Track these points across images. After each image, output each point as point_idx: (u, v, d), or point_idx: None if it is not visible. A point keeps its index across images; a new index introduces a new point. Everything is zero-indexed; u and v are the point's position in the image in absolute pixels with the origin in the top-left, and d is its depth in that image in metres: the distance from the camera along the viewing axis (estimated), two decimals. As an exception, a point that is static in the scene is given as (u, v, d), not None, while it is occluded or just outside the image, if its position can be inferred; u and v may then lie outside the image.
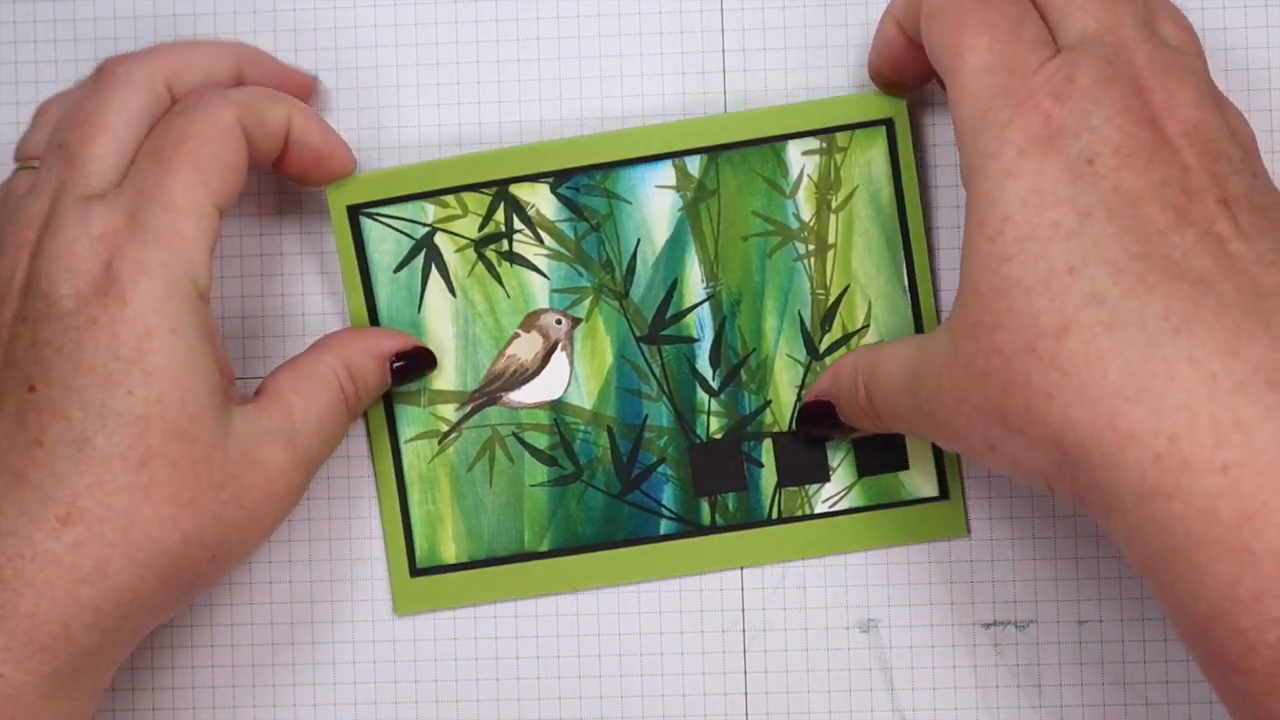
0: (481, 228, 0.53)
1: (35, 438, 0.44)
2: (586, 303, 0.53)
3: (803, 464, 0.54)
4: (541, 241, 0.53)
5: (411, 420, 0.54)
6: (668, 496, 0.54)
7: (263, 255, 0.55)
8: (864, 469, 0.54)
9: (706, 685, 0.54)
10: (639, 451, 0.54)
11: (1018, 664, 0.54)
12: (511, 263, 0.53)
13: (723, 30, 0.55)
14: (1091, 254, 0.42)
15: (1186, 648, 0.41)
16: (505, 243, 0.53)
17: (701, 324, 0.53)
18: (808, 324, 0.53)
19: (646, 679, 0.54)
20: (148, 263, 0.45)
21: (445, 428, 0.53)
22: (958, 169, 0.49)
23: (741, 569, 0.54)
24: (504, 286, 0.53)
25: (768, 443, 0.53)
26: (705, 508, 0.54)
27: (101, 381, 0.44)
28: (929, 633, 0.54)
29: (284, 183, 0.55)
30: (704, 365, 0.53)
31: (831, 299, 0.53)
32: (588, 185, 0.53)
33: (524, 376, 0.54)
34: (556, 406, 0.54)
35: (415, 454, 0.54)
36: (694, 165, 0.53)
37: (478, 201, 0.53)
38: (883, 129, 0.53)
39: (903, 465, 0.54)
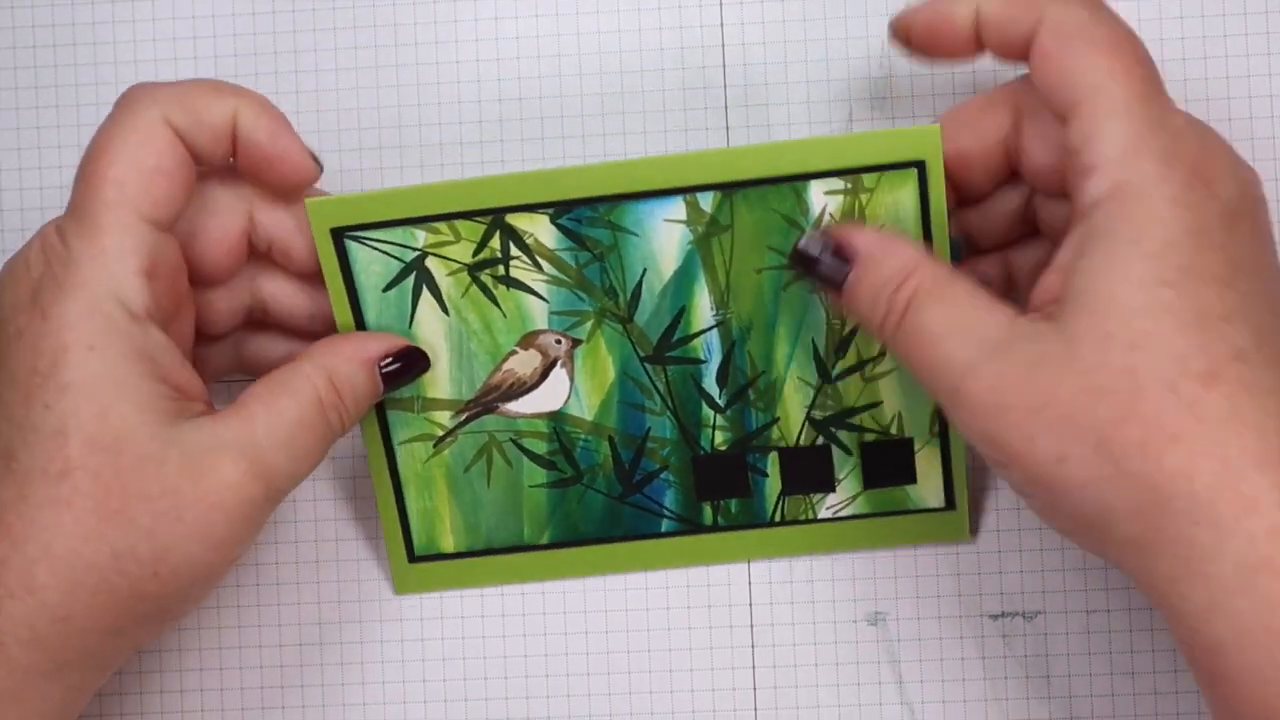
0: (475, 254, 0.50)
1: None
2: (588, 325, 0.51)
3: (808, 475, 0.52)
4: (540, 268, 0.50)
5: (405, 425, 0.52)
6: (670, 499, 0.53)
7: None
8: (870, 482, 0.53)
9: (715, 680, 0.54)
10: (641, 459, 0.52)
11: (1026, 655, 0.54)
12: (508, 286, 0.50)
13: (723, 37, 0.55)
14: (1239, 309, 0.41)
15: None
16: (501, 268, 0.50)
17: (709, 348, 0.51)
18: (821, 350, 0.51)
19: (655, 674, 0.54)
20: (67, 281, 0.44)
21: (440, 433, 0.52)
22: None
23: (749, 563, 0.54)
24: (500, 308, 0.51)
25: (774, 455, 0.52)
26: (707, 510, 0.53)
27: (23, 396, 0.44)
28: (937, 625, 0.54)
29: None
30: (711, 385, 0.51)
31: (848, 329, 0.51)
32: (590, 217, 0.49)
33: (521, 390, 0.52)
34: (556, 417, 0.52)
35: (410, 454, 0.52)
36: (707, 201, 0.49)
37: (471, 229, 0.49)
38: (914, 171, 0.48)
39: (910, 480, 0.53)
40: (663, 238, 0.50)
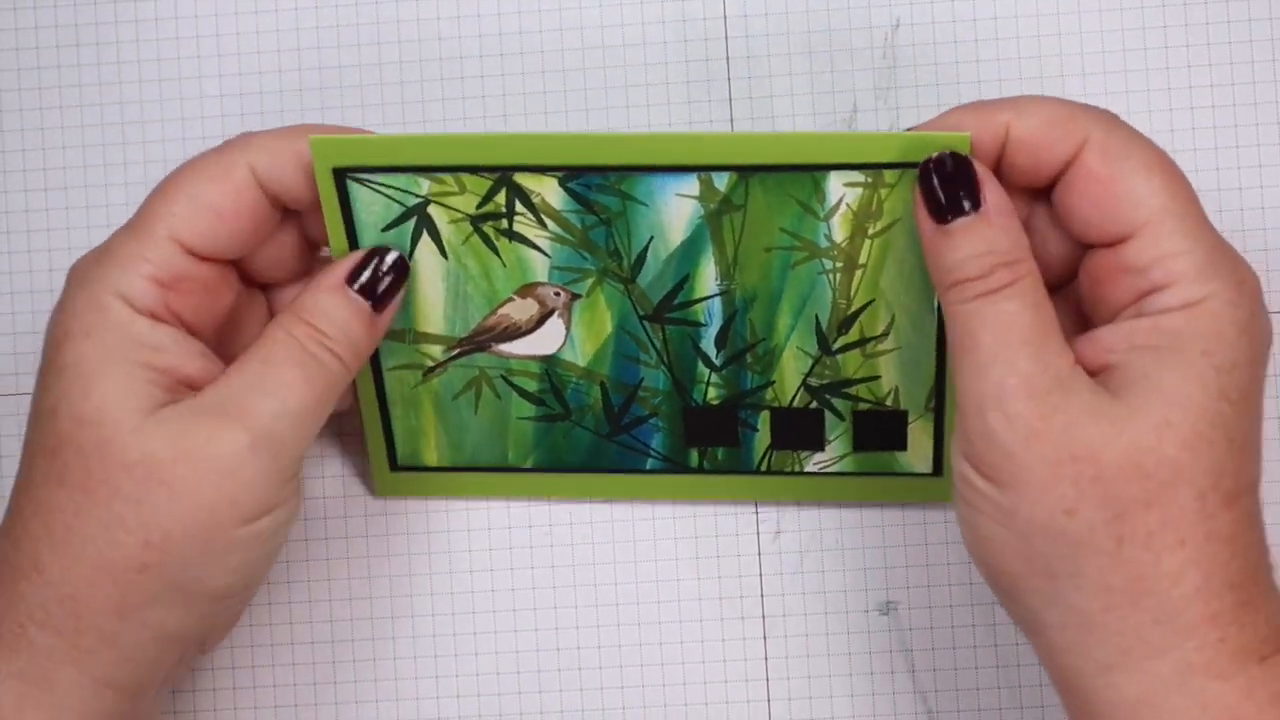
0: (480, 206, 0.49)
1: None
2: (588, 282, 0.50)
3: (798, 434, 0.53)
4: (544, 226, 0.49)
5: (395, 353, 0.51)
6: (656, 442, 0.53)
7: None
8: (860, 445, 0.53)
9: (728, 672, 0.54)
10: (632, 405, 0.52)
11: (1038, 643, 0.54)
12: (510, 239, 0.50)
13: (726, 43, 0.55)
14: (1259, 443, 0.44)
15: None
16: (505, 221, 0.49)
17: (710, 313, 0.51)
18: (824, 325, 0.51)
19: (668, 667, 0.54)
20: (84, 275, 0.47)
21: (430, 363, 0.52)
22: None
23: (759, 556, 0.54)
24: (500, 258, 0.50)
25: (765, 413, 0.52)
26: (694, 454, 0.53)
27: (38, 380, 0.47)
28: (949, 614, 0.54)
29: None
30: (709, 346, 0.51)
31: (853, 309, 0.50)
32: (600, 184, 0.48)
33: (516, 333, 0.51)
34: (548, 360, 0.52)
35: (398, 379, 0.52)
36: (721, 180, 0.48)
37: (477, 183, 0.49)
38: None
39: (900, 446, 0.53)
40: (673, 210, 0.49)
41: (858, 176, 0.48)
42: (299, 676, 0.55)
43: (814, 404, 0.52)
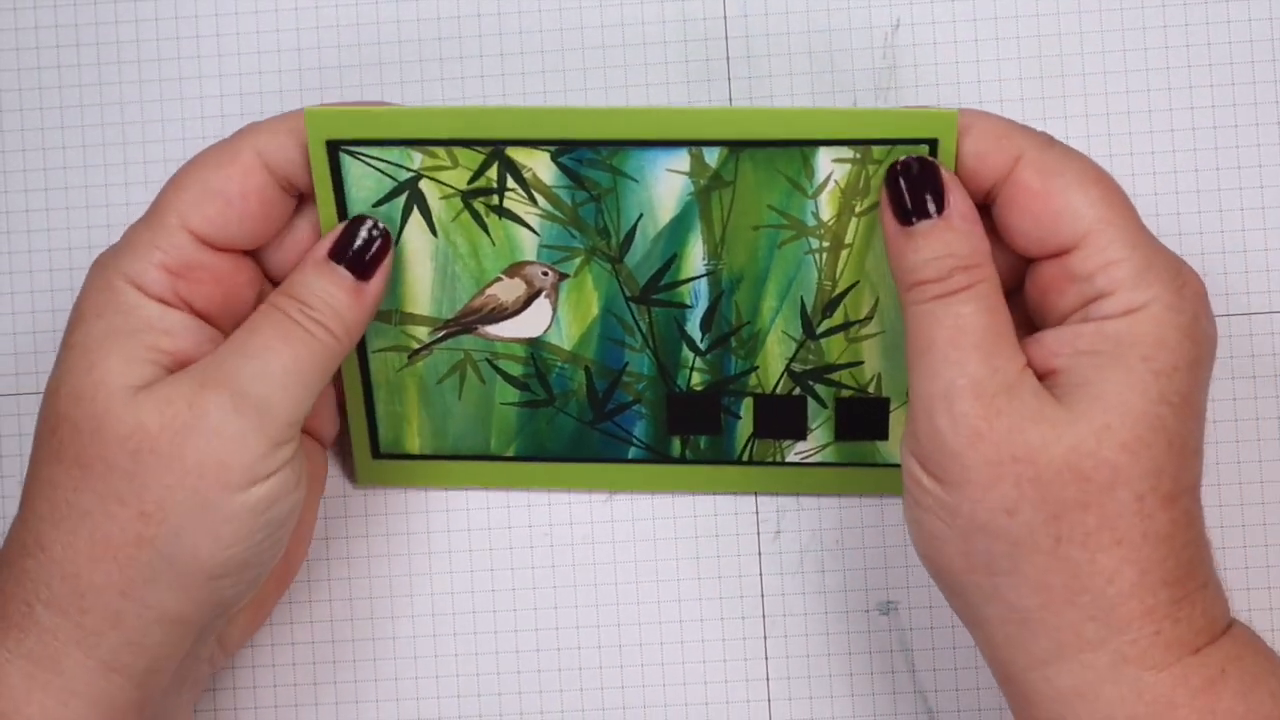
0: (471, 181, 0.49)
1: None
2: (576, 261, 0.50)
3: (781, 422, 0.53)
4: (535, 202, 0.49)
5: (380, 334, 0.52)
6: (639, 430, 0.53)
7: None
8: (842, 434, 0.53)
9: (728, 672, 0.54)
10: (615, 390, 0.52)
11: (1038, 642, 0.54)
12: (500, 216, 0.50)
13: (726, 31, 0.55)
14: (1200, 445, 0.45)
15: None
16: (495, 197, 0.49)
17: (697, 294, 0.51)
18: (809, 308, 0.51)
19: (668, 666, 0.54)
20: (101, 263, 0.48)
21: (416, 345, 0.52)
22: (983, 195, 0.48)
23: (760, 555, 0.54)
24: (489, 235, 0.50)
25: (748, 400, 0.52)
26: (676, 443, 0.53)
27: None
28: (949, 614, 0.54)
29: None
30: (694, 329, 0.51)
31: (838, 290, 0.50)
32: (592, 159, 0.49)
33: (502, 314, 0.51)
34: (534, 343, 0.52)
35: (383, 362, 0.52)
36: (712, 156, 0.48)
37: (469, 157, 0.49)
38: (925, 149, 0.47)
39: (881, 435, 0.53)
40: (663, 186, 0.49)
41: (847, 153, 0.48)
42: (299, 676, 0.55)
43: (797, 390, 0.52)
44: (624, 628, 0.55)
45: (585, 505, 0.55)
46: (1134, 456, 0.44)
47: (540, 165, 0.49)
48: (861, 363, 0.52)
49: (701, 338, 0.51)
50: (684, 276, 0.51)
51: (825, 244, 0.50)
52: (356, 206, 0.49)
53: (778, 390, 0.52)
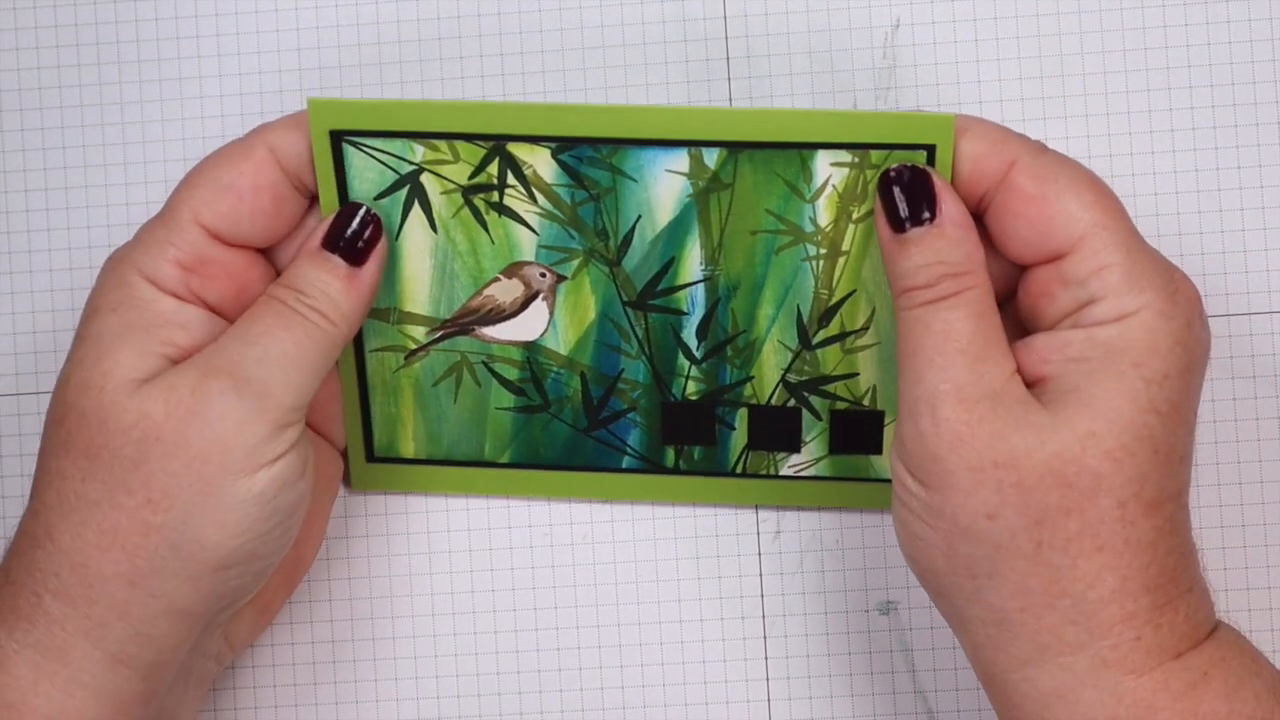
0: (471, 176, 0.49)
1: None
2: (575, 263, 0.50)
3: (776, 434, 0.52)
4: (534, 200, 0.50)
5: (378, 333, 0.52)
6: (634, 439, 0.53)
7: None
8: (837, 448, 0.53)
9: (728, 672, 0.54)
10: (610, 398, 0.52)
11: (1038, 642, 0.54)
12: (500, 213, 0.50)
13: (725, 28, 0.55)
14: (1189, 452, 0.46)
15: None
16: (495, 194, 0.49)
17: (694, 301, 0.51)
18: (805, 317, 0.51)
19: (668, 667, 0.54)
20: (115, 259, 0.48)
21: (413, 346, 0.52)
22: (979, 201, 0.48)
23: (760, 555, 0.54)
24: (489, 233, 0.50)
25: (743, 411, 0.52)
26: (670, 453, 0.53)
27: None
28: (949, 614, 0.54)
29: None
30: (690, 337, 0.51)
31: (835, 299, 0.50)
32: (592, 157, 0.49)
33: (499, 316, 0.51)
34: (530, 347, 0.52)
35: (380, 362, 0.52)
36: (711, 157, 0.48)
37: (471, 151, 0.49)
38: (923, 154, 0.47)
39: (876, 450, 0.53)
40: (662, 187, 0.49)
41: (845, 156, 0.48)
42: (299, 676, 0.55)
43: (792, 402, 0.52)
44: (624, 627, 0.55)
45: (585, 505, 0.55)
46: (1117, 464, 0.44)
47: (541, 162, 0.49)
48: (857, 374, 0.52)
49: (697, 345, 0.51)
50: (681, 281, 0.51)
51: (822, 251, 0.50)
52: (358, 198, 0.49)
53: (773, 401, 0.52)
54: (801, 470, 0.53)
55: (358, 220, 0.49)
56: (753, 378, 0.52)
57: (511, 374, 0.52)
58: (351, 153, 0.49)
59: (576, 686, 0.55)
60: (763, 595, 0.54)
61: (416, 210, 0.50)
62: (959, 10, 0.54)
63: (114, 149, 0.56)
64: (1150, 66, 0.54)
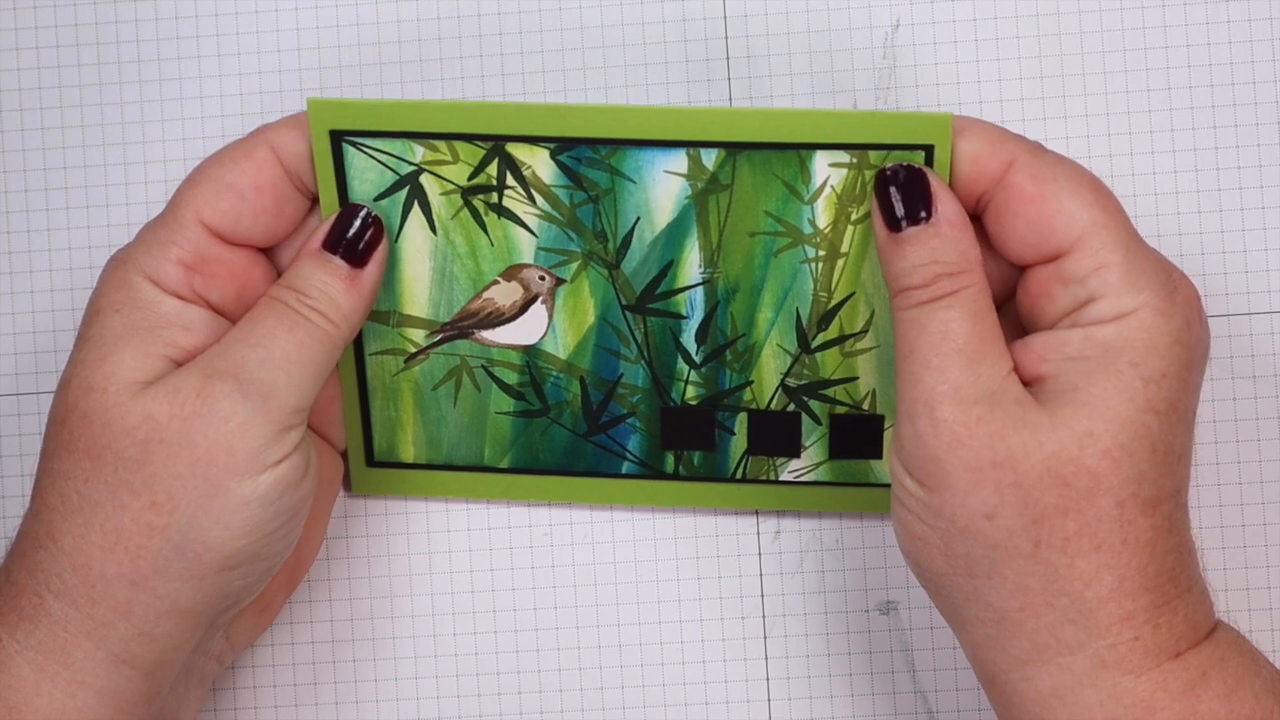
0: (471, 177, 0.49)
1: None
2: (573, 266, 0.50)
3: (775, 439, 0.52)
4: (534, 201, 0.49)
5: (378, 336, 0.52)
6: (633, 444, 0.53)
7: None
8: (836, 452, 0.53)
9: (728, 672, 0.54)
10: (610, 403, 0.52)
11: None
12: (499, 215, 0.50)
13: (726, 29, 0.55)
14: (1187, 451, 0.46)
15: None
16: (495, 195, 0.49)
17: (693, 304, 0.51)
18: (804, 321, 0.51)
19: (668, 666, 0.54)
20: (117, 259, 0.48)
21: (413, 349, 0.52)
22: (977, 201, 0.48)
23: (760, 555, 0.54)
24: (488, 235, 0.50)
25: (742, 416, 0.52)
26: (670, 458, 0.53)
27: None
28: (949, 614, 0.54)
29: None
30: (689, 341, 0.51)
31: (834, 302, 0.50)
32: (591, 158, 0.49)
33: (499, 319, 0.51)
34: (529, 351, 0.52)
35: (380, 365, 0.52)
36: (709, 158, 0.48)
37: (470, 152, 0.49)
38: (921, 154, 0.47)
39: (876, 455, 0.53)
40: (660, 188, 0.49)
41: (843, 157, 0.48)
42: (299, 676, 0.55)
43: (791, 406, 0.52)
44: (624, 627, 0.55)
45: (585, 505, 0.55)
46: (1115, 464, 0.44)
47: (540, 163, 0.49)
48: (856, 378, 0.51)
49: (697, 350, 0.51)
50: (680, 284, 0.50)
51: (821, 253, 0.49)
52: (358, 199, 0.49)
53: (772, 405, 0.52)
54: (801, 475, 0.53)
55: (359, 221, 0.49)
56: (752, 382, 0.52)
57: (511, 378, 0.52)
58: (351, 153, 0.49)
59: (576, 686, 0.55)
60: (763, 595, 0.54)
61: (416, 212, 0.50)
62: (959, 10, 0.54)
63: (114, 149, 0.56)
64: (1150, 66, 0.54)
